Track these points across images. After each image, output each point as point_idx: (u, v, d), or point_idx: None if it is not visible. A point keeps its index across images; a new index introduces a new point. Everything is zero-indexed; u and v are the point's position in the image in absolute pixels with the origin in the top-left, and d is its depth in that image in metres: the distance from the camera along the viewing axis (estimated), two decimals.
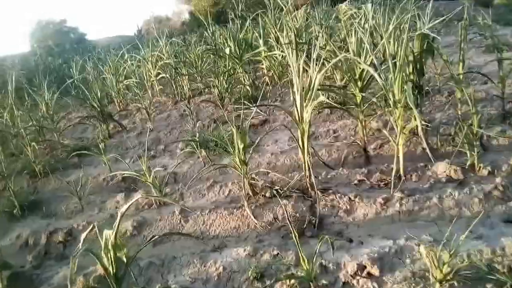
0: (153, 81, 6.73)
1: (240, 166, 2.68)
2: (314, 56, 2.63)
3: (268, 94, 5.32)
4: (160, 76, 6.62)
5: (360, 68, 3.03)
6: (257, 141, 3.02)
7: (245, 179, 2.72)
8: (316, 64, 2.62)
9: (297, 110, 2.58)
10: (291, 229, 1.89)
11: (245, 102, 4.85)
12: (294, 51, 2.76)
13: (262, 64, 5.87)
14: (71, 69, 7.97)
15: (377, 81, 2.57)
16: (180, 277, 2.18)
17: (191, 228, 2.57)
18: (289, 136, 3.78)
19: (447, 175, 2.66)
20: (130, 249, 2.09)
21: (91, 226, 1.97)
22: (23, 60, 14.01)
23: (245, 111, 4.63)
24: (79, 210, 3.04)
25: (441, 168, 2.70)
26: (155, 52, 7.01)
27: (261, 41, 5.74)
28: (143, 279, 2.22)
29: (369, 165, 3.05)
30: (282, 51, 5.62)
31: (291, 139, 3.71)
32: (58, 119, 5.39)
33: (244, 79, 5.70)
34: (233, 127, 2.66)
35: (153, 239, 2.12)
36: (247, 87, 5.53)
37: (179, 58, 6.77)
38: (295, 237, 1.84)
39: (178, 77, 6.43)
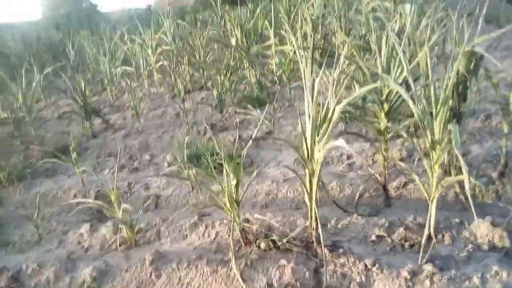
0: (152, 68, 6.16)
1: (230, 209, 2.14)
2: (334, 75, 2.04)
3: (276, 95, 4.73)
4: (160, 63, 6.04)
5: (388, 87, 2.44)
6: (252, 178, 2.45)
7: (235, 225, 2.18)
8: (338, 84, 2.04)
9: (306, 144, 2.01)
10: None
11: (248, 105, 4.28)
12: (309, 60, 2.18)
13: (272, 59, 5.27)
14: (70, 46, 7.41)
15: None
16: None
17: (163, 287, 2.05)
18: (295, 157, 3.22)
19: (489, 240, 2.10)
20: None
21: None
22: (28, 30, 13.42)
23: (247, 117, 4.07)
24: (36, 241, 2.53)
25: (483, 230, 2.14)
26: (158, 34, 6.41)
27: (271, 32, 5.12)
28: None
29: (389, 210, 2.49)
30: (294, 46, 5.00)
31: (297, 162, 3.15)
32: (42, 108, 4.87)
33: (250, 75, 5.11)
34: (224, 162, 2.11)
35: None
36: (253, 86, 4.95)
37: (182, 44, 6.17)
38: None
39: (180, 66, 5.85)
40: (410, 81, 2.11)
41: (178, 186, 3.02)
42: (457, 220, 2.23)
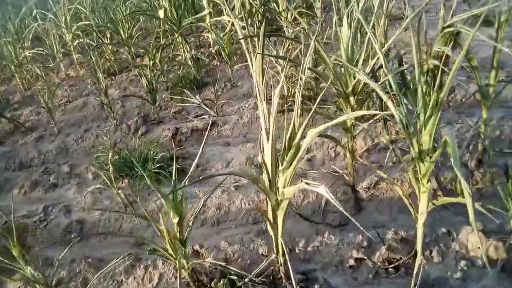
0: (69, 47, 5.28)
1: (173, 255, 1.65)
2: (300, 84, 1.56)
3: (217, 76, 4.17)
4: (78, 41, 5.18)
5: (354, 77, 2.01)
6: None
7: (182, 271, 1.71)
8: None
9: (266, 171, 1.54)
10: None
11: (184, 90, 3.71)
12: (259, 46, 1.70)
13: (207, 32, 4.65)
14: None
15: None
16: None
17: None
18: (246, 154, 2.76)
19: (483, 253, 1.81)
20: None
21: None
22: None
23: (185, 104, 3.51)
24: None
25: (473, 241, 1.84)
26: (74, 5, 5.49)
27: (204, 1, 4.48)
28: None
29: (361, 216, 2.14)
30: (232, 17, 4.42)
31: (248, 161, 2.69)
32: None
33: (184, 52, 4.48)
34: (160, 195, 1.60)
35: None
36: (189, 65, 4.34)
37: (102, 17, 5.33)
38: None
39: (102, 44, 5.05)
40: (385, 68, 1.69)
41: (107, 206, 2.46)
42: (443, 229, 1.91)
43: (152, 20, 5.73)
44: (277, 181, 1.51)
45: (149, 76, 3.26)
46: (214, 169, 2.71)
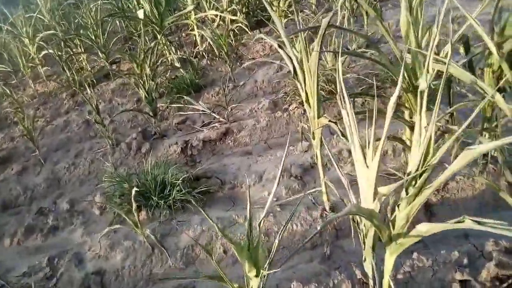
0: (34, 59, 4.69)
1: None
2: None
3: (213, 76, 3.76)
4: (45, 52, 4.61)
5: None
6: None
7: None
8: None
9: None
10: None
11: (184, 96, 3.27)
12: None
13: (193, 30, 4.21)
14: None
15: None
16: None
17: None
18: (277, 163, 2.38)
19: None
20: None
21: None
22: None
23: (187, 113, 3.10)
24: None
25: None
26: (35, 14, 4.90)
27: None
28: None
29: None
30: (220, 10, 4.02)
31: (287, 169, 2.31)
32: None
33: (170, 53, 4.03)
34: (227, 240, 1.21)
35: None
36: (177, 67, 3.90)
37: (67, 24, 4.78)
38: None
39: (72, 53, 4.50)
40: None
41: (129, 248, 2.02)
42: None
43: (121, 22, 5.22)
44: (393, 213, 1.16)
45: (146, 85, 2.81)
46: (244, 186, 2.32)
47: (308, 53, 1.59)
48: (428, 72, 1.10)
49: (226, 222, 2.05)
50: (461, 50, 1.91)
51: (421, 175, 1.05)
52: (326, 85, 2.76)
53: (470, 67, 1.84)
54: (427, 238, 1.76)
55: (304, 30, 1.54)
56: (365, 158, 1.18)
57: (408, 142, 1.92)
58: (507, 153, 2.05)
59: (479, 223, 0.91)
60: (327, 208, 1.97)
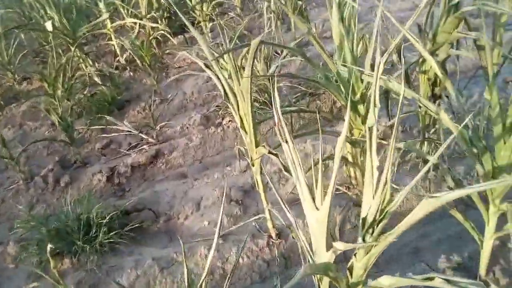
0: None
1: None
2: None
3: (137, 91, 3.47)
4: None
5: (361, 80, 1.59)
6: None
7: None
8: None
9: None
10: None
11: (103, 116, 2.97)
12: None
13: (111, 40, 3.87)
14: None
15: None
16: None
17: None
18: (215, 187, 2.20)
19: None
20: None
21: None
22: None
23: (110, 135, 2.82)
24: None
25: None
26: None
27: (102, 4, 3.70)
28: None
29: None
30: (139, 18, 3.74)
31: (224, 197, 2.14)
32: None
33: (87, 66, 3.67)
34: None
35: None
36: (96, 82, 3.56)
37: None
38: None
39: None
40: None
41: None
42: None
43: (30, 33, 4.70)
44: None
45: (59, 109, 2.48)
46: (181, 216, 2.12)
47: (239, 74, 1.44)
48: (375, 106, 0.99)
49: (164, 262, 1.84)
50: (395, 57, 1.87)
51: (378, 222, 0.94)
52: (260, 96, 2.63)
53: (406, 77, 1.79)
54: (380, 256, 1.70)
55: (231, 50, 1.38)
56: (313, 199, 1.04)
57: (349, 157, 1.84)
58: (446, 157, 2.07)
59: (448, 281, 0.81)
60: (273, 235, 1.83)
